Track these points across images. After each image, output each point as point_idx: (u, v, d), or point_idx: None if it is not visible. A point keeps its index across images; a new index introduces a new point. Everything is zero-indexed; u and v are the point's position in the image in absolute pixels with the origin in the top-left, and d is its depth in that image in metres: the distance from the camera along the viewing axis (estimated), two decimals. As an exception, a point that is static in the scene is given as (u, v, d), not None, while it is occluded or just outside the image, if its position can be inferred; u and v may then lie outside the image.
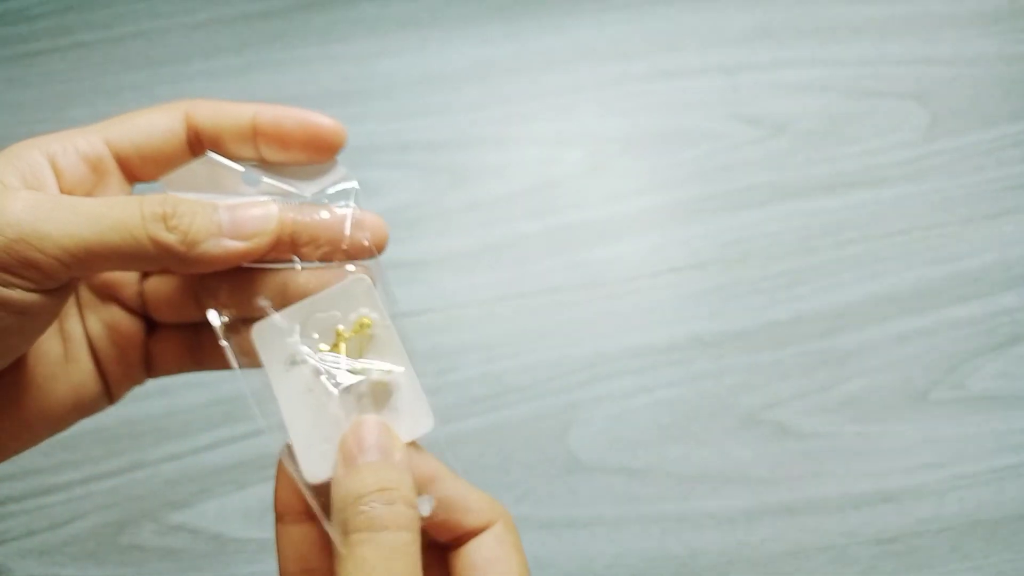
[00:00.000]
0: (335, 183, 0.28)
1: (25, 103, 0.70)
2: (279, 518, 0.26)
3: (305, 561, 0.26)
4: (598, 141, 0.67)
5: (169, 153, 0.27)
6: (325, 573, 0.26)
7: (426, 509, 0.25)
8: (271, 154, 0.27)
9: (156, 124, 0.26)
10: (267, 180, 0.27)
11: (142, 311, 0.28)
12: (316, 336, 0.27)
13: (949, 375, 0.58)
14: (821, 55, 0.70)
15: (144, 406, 0.58)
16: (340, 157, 0.28)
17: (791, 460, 0.56)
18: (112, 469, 0.56)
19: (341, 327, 0.27)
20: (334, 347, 0.27)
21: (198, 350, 0.29)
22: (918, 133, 0.66)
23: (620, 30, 0.71)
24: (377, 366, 0.26)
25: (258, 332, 0.27)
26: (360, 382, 0.26)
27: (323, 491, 0.25)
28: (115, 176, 0.26)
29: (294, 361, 0.26)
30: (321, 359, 0.26)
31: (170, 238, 0.24)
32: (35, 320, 0.24)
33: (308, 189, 0.28)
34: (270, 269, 0.27)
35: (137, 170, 0.27)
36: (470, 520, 0.26)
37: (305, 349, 0.26)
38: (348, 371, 0.26)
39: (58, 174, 0.25)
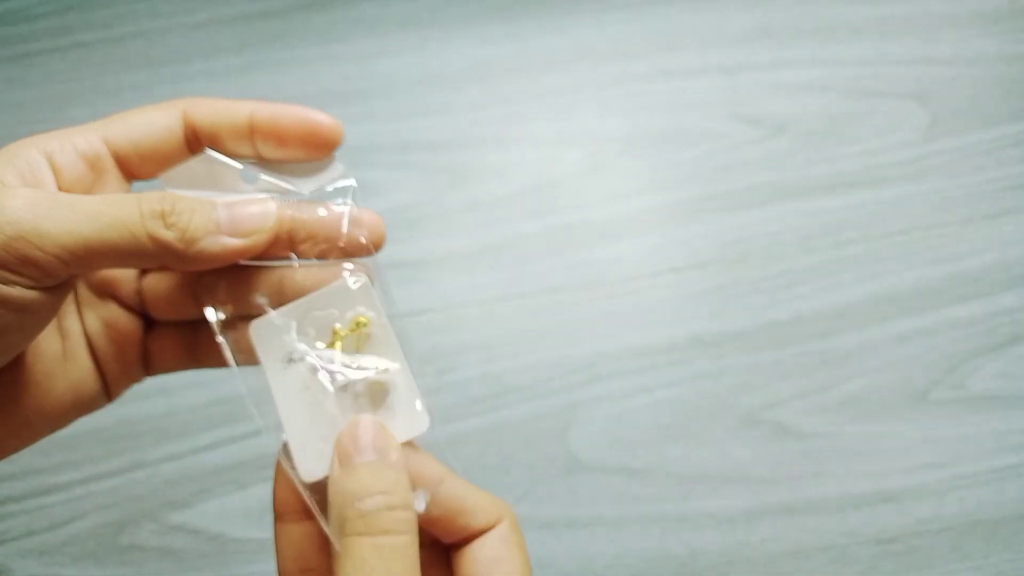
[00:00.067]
0: (333, 181, 0.28)
1: (25, 103, 0.70)
2: (278, 517, 0.26)
3: (304, 560, 0.26)
4: (598, 141, 0.67)
5: (167, 151, 0.27)
6: (324, 572, 0.26)
7: (421, 505, 0.25)
8: (269, 151, 0.27)
9: (154, 122, 0.26)
10: (265, 177, 0.27)
11: (140, 308, 0.28)
12: (313, 333, 0.27)
13: (949, 375, 0.58)
14: (821, 55, 0.70)
15: (144, 406, 0.58)
16: (340, 157, 0.28)
17: (791, 460, 0.56)
18: (112, 469, 0.56)
19: (338, 325, 0.27)
20: (330, 345, 0.27)
21: (196, 348, 0.29)
22: (918, 133, 0.66)
23: (620, 30, 0.71)
24: (373, 365, 0.26)
25: (255, 329, 0.27)
26: (357, 381, 0.26)
27: (319, 489, 0.25)
28: (113, 174, 0.26)
29: (291, 359, 0.26)
30: (318, 356, 0.26)
31: (169, 235, 0.24)
32: (34, 317, 0.24)
33: (306, 186, 0.27)
34: (268, 267, 0.27)
35: (135, 168, 0.27)
36: (474, 521, 0.26)
37: (302, 347, 0.26)
38: (344, 369, 0.26)
39: (56, 172, 0.25)
